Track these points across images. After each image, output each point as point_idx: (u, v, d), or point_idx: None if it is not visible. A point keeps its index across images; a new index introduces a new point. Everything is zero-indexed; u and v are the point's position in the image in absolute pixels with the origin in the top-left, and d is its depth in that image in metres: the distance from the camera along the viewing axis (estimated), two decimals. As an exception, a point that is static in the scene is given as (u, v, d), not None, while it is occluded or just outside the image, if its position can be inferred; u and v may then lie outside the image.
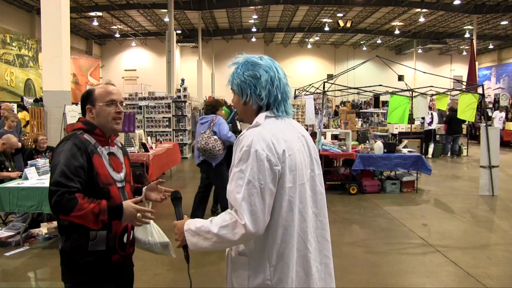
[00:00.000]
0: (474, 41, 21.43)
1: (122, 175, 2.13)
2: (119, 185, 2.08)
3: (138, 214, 1.92)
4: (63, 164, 1.90)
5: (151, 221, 2.16)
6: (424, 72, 12.06)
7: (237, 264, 1.74)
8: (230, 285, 1.78)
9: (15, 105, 12.55)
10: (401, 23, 27.66)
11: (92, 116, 2.09)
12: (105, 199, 1.95)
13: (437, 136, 13.93)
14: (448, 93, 12.01)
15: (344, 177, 8.44)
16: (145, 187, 2.26)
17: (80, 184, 1.90)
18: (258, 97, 1.73)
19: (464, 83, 12.77)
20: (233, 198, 1.61)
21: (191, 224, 1.71)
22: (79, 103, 2.20)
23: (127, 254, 2.13)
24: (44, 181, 5.07)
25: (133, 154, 8.10)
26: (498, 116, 15.86)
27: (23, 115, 10.81)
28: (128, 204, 1.92)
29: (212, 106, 5.88)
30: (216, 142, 5.49)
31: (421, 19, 25.69)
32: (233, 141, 5.45)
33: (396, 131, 12.47)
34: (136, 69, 32.91)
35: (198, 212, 5.95)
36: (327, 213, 1.86)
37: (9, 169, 5.95)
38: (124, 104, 2.20)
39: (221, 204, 5.97)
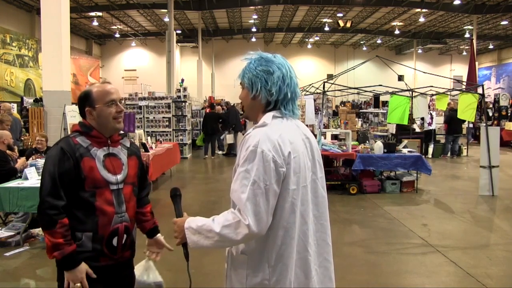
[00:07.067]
0: (474, 41, 21.43)
1: (119, 176, 2.08)
2: (113, 187, 2.04)
3: (78, 284, 1.93)
4: (49, 176, 1.96)
5: (148, 259, 2.27)
6: (424, 72, 12.07)
7: (237, 262, 1.74)
8: (229, 283, 1.79)
9: (14, 105, 12.55)
10: (401, 23, 27.66)
11: (92, 118, 2.07)
12: (89, 202, 1.98)
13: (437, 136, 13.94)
14: (448, 93, 12.01)
15: (344, 177, 8.43)
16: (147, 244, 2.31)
17: (65, 191, 1.96)
18: (268, 93, 1.73)
19: (464, 83, 12.77)
20: (237, 198, 1.61)
21: (192, 222, 1.71)
22: (77, 104, 2.18)
23: (119, 258, 2.09)
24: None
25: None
26: None
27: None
28: (84, 268, 1.95)
29: None
30: None
31: (421, 19, 25.70)
32: None
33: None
34: (136, 69, 32.92)
35: None
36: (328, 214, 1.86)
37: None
38: (123, 102, 2.20)
39: None
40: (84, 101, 2.09)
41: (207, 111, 14.36)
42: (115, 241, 2.04)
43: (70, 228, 1.96)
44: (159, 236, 2.33)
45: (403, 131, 11.20)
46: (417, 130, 12.61)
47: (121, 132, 2.19)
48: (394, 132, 11.59)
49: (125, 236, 2.09)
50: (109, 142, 2.10)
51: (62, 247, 1.91)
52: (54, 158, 1.97)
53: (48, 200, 1.93)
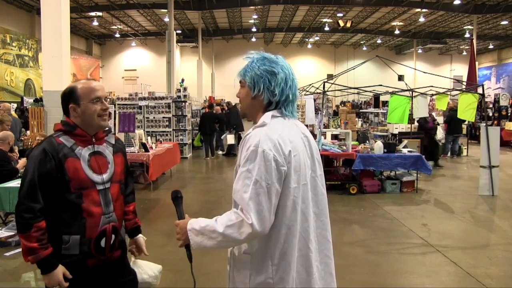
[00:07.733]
0: (474, 41, 21.42)
1: (105, 176, 2.04)
2: (99, 187, 2.00)
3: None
4: (28, 178, 1.91)
5: (135, 260, 2.28)
6: (424, 72, 12.06)
7: (239, 263, 1.75)
8: (232, 283, 1.79)
9: (14, 106, 12.55)
10: (401, 23, 27.68)
11: (76, 115, 2.01)
12: (76, 204, 1.94)
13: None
14: (448, 93, 12.01)
15: (344, 177, 8.43)
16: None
17: (47, 193, 1.92)
18: (271, 93, 1.73)
19: (464, 83, 12.77)
20: (240, 197, 1.62)
21: (195, 223, 1.71)
22: (61, 100, 2.07)
23: (108, 258, 2.06)
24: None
25: (133, 154, 8.10)
26: None
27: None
28: (61, 270, 1.92)
29: None
30: None
31: (421, 19, 25.72)
32: None
33: (396, 131, 12.47)
34: (136, 69, 32.94)
35: None
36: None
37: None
38: (108, 100, 2.18)
39: None
40: (68, 97, 2.02)
41: (207, 111, 14.37)
42: (103, 242, 2.02)
43: (57, 231, 1.93)
44: (140, 237, 2.31)
45: (424, 130, 11.33)
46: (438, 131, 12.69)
47: (106, 128, 2.14)
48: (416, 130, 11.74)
49: (113, 236, 2.06)
50: (93, 140, 2.06)
51: (37, 251, 1.88)
52: (35, 159, 1.92)
53: (25, 202, 1.89)
